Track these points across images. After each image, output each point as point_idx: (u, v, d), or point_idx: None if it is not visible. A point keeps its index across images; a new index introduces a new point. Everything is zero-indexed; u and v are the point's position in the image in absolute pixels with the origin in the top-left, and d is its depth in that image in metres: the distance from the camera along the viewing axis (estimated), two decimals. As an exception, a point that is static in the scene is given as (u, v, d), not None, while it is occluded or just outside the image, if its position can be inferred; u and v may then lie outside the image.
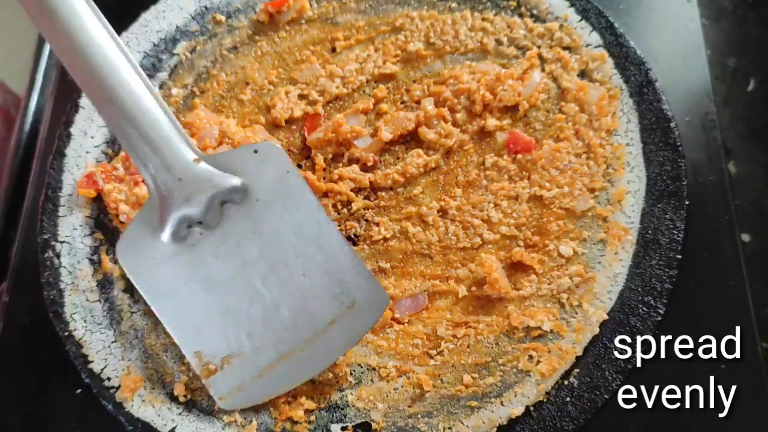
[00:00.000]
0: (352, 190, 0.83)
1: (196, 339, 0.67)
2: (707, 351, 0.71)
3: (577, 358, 0.73)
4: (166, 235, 0.65)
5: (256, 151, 0.66)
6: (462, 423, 0.72)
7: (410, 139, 0.86)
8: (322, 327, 0.65)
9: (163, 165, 0.63)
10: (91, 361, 0.77)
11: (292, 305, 0.65)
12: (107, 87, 0.61)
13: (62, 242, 0.83)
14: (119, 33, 0.90)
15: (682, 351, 0.71)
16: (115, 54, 0.62)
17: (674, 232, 0.75)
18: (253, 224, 0.64)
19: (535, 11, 0.89)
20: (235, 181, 0.65)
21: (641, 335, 0.72)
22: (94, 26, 0.61)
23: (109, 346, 0.79)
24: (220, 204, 0.65)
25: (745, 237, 0.81)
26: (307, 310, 0.65)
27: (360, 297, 0.66)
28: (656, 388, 0.70)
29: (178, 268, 0.66)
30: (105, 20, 0.63)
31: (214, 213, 0.64)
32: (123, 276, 0.82)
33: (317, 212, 0.66)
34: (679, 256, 0.74)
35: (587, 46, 0.86)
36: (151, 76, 0.91)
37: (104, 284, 0.82)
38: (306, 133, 0.87)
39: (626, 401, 0.70)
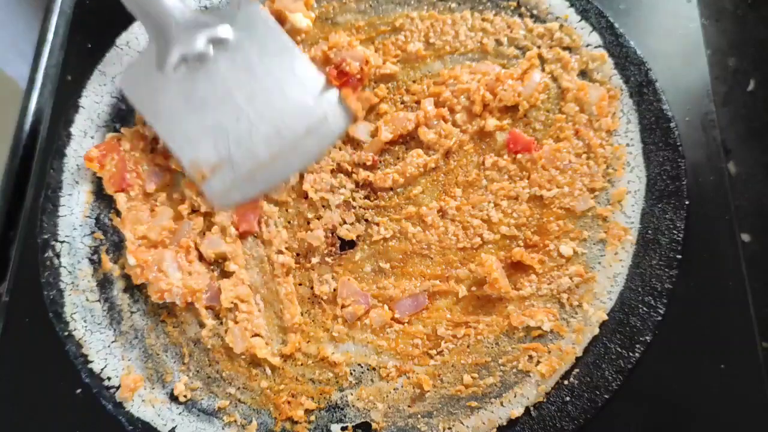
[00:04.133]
0: (352, 191, 0.83)
1: (191, 149, 0.78)
2: (707, 351, 0.71)
3: (577, 358, 0.73)
4: (167, 68, 0.79)
5: (238, 7, 0.81)
6: (462, 423, 0.72)
7: (410, 139, 0.86)
8: (298, 135, 0.77)
9: (164, 12, 0.79)
10: (91, 361, 0.78)
11: (272, 119, 0.77)
12: None
13: (62, 242, 0.83)
14: (119, 33, 0.91)
15: (681, 351, 0.71)
16: None
17: (674, 232, 0.75)
18: (239, 59, 0.79)
19: (535, 11, 0.88)
20: (225, 26, 0.79)
21: (641, 335, 0.72)
22: None
23: (109, 346, 0.79)
24: (212, 44, 0.79)
25: (745, 237, 0.81)
26: (285, 123, 0.77)
27: (329, 112, 0.79)
28: (656, 388, 0.70)
29: (175, 94, 0.79)
30: None
31: (206, 51, 0.78)
32: (123, 276, 0.82)
33: (291, 47, 0.80)
34: (679, 256, 0.74)
35: (587, 46, 0.85)
36: (151, 76, 0.91)
37: (104, 284, 0.82)
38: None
39: (626, 401, 0.70)
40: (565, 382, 0.72)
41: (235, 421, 0.75)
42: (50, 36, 0.98)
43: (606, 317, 0.74)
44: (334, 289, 0.80)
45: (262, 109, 0.78)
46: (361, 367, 0.77)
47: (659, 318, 0.72)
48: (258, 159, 0.77)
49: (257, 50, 0.80)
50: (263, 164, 0.77)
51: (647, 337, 0.72)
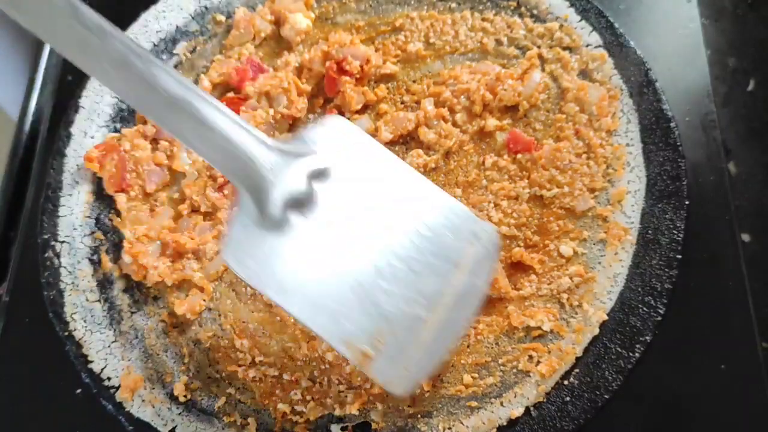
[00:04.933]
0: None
1: (339, 326, 0.60)
2: (707, 351, 0.71)
3: (577, 358, 0.73)
4: (271, 223, 0.60)
5: (323, 127, 0.64)
6: (462, 423, 0.72)
7: (410, 139, 0.86)
8: (450, 272, 0.61)
9: (249, 162, 0.59)
10: (91, 361, 0.78)
11: (413, 262, 0.60)
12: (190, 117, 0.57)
13: (62, 242, 0.83)
14: (119, 33, 0.91)
15: (682, 351, 0.71)
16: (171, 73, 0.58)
17: (674, 232, 0.75)
18: (348, 195, 0.61)
19: (535, 11, 0.89)
20: (319, 155, 0.61)
21: (641, 335, 0.72)
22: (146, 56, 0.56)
23: (109, 346, 0.79)
24: (311, 181, 0.61)
25: (745, 237, 0.81)
26: (435, 259, 0.61)
27: (476, 229, 0.62)
28: (656, 388, 0.70)
29: (293, 257, 0.61)
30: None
31: (311, 189, 0.60)
32: (123, 276, 0.82)
33: (400, 166, 0.64)
34: (679, 256, 0.74)
35: (587, 46, 0.85)
36: (151, 76, 0.91)
37: (104, 284, 0.82)
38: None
39: (626, 401, 0.70)
40: (565, 382, 0.72)
41: (235, 421, 0.75)
42: (50, 36, 0.98)
43: (606, 317, 0.74)
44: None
45: (397, 252, 0.60)
46: (361, 367, 0.76)
47: (659, 318, 0.72)
48: (420, 316, 0.60)
49: (366, 179, 0.63)
50: (426, 319, 0.60)
51: (647, 337, 0.72)
